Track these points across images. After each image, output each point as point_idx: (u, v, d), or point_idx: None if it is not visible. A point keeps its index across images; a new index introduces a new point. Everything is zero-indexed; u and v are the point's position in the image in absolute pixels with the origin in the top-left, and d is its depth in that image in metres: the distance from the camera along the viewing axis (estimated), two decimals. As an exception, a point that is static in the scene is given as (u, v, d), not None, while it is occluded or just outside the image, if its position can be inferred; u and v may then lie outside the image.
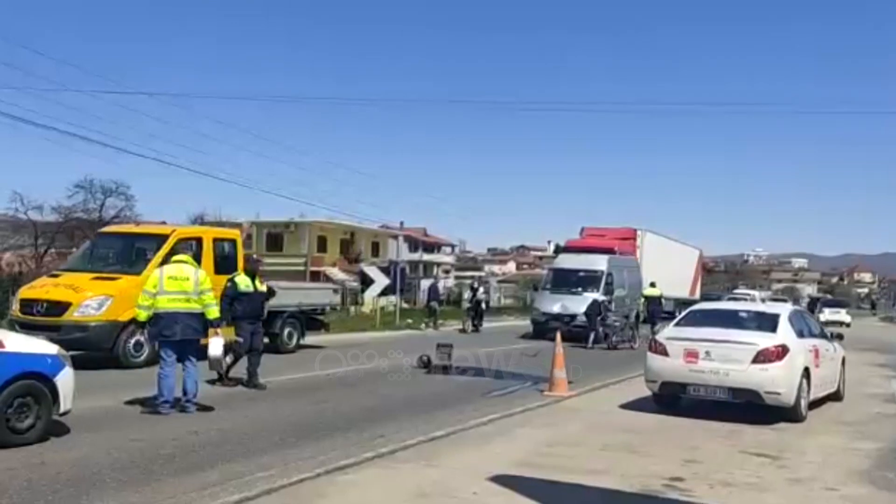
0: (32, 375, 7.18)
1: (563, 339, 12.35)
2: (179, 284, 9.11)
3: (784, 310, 11.32)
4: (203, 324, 9.22)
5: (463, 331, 26.14)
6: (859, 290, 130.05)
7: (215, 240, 14.85)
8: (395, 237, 67.41)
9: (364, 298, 33.72)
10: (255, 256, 12.31)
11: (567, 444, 7.85)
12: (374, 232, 60.75)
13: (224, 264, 14.11)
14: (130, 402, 9.58)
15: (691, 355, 9.78)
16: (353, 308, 38.88)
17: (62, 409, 7.46)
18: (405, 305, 38.50)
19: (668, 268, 32.44)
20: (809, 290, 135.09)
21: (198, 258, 13.10)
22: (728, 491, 6.22)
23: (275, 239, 51.88)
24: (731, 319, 10.80)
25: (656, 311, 26.28)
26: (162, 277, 9.15)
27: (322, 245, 52.08)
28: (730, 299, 48.85)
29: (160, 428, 8.21)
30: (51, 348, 7.69)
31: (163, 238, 13.95)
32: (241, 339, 11.06)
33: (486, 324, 30.65)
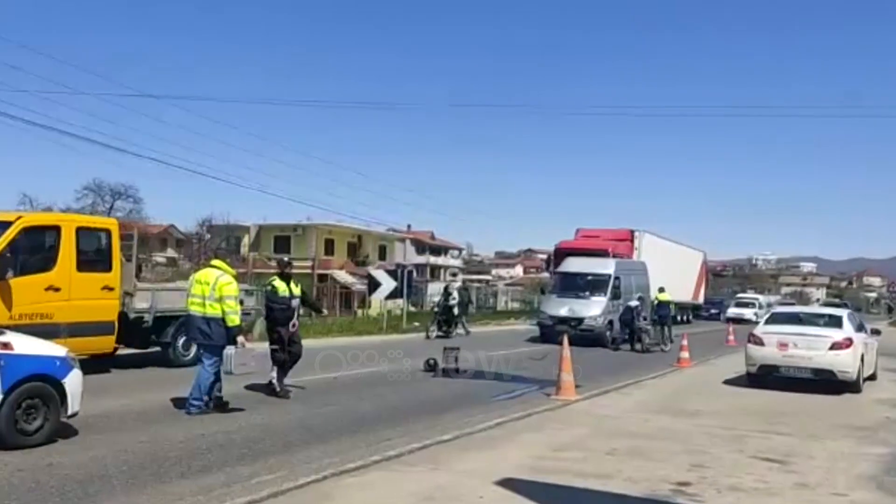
0: (41, 377, 7.23)
1: (571, 342, 12.33)
2: (201, 288, 9.28)
3: (844, 312, 15.19)
4: (220, 329, 9.21)
5: (427, 337, 23.85)
6: (868, 295, 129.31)
7: (80, 230, 12.14)
8: (402, 240, 67.66)
9: (371, 301, 33.77)
10: (286, 259, 12.19)
11: (574, 449, 7.82)
12: (382, 235, 60.90)
13: (93, 259, 12.26)
14: (140, 404, 9.61)
15: (783, 345, 13.19)
16: (359, 311, 38.97)
17: (70, 411, 7.50)
18: (412, 309, 38.52)
19: (669, 270, 31.51)
20: (818, 294, 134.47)
21: (54, 250, 11.67)
22: (736, 496, 6.19)
23: (282, 242, 52.10)
24: (806, 319, 14.60)
25: (666, 316, 26.14)
26: (192, 280, 9.55)
27: (329, 248, 52.27)
28: (737, 304, 48.78)
29: (167, 430, 8.23)
30: (59, 350, 7.74)
31: (3, 226, 11.30)
32: (276, 347, 10.75)
33: (494, 328, 30.54)
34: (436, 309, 26.58)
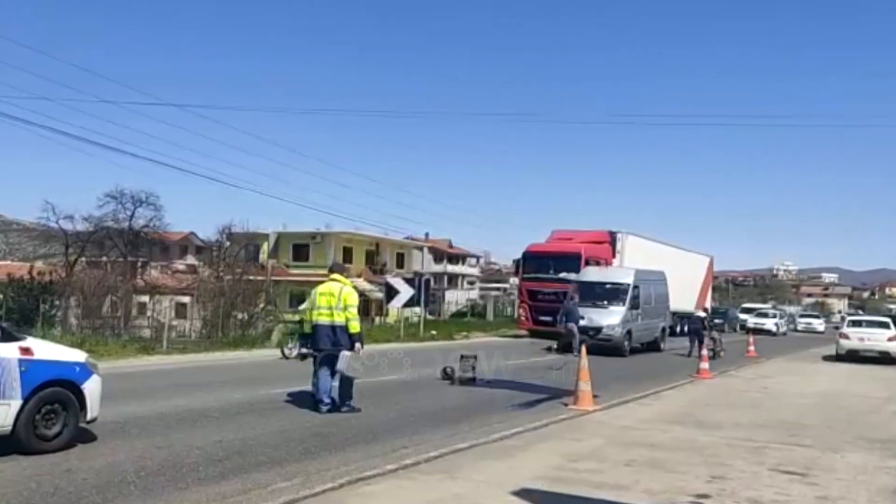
0: (61, 383, 7.29)
1: (589, 352, 12.26)
2: (328, 300, 10.13)
3: (890, 320, 26.45)
4: (345, 335, 10.06)
5: (283, 356, 18.09)
6: (890, 306, 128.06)
7: None
8: (420, 248, 67.78)
9: (389, 309, 33.83)
10: (339, 264, 12.34)
11: (591, 459, 7.77)
12: (400, 243, 61.07)
13: None
14: (159, 410, 9.67)
15: (860, 339, 24.64)
16: (377, 319, 39.04)
17: (89, 417, 7.56)
18: (429, 317, 38.54)
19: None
20: (840, 305, 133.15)
21: None
22: (755, 509, 6.11)
23: (301, 249, 52.36)
24: (868, 324, 26.41)
25: None
26: (316, 294, 10.28)
27: (347, 256, 52.40)
28: (758, 314, 48.22)
29: (185, 436, 8.27)
30: (79, 356, 7.80)
31: None
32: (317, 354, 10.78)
33: (512, 339, 30.24)
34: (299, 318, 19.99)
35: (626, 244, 30.99)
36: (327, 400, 10.09)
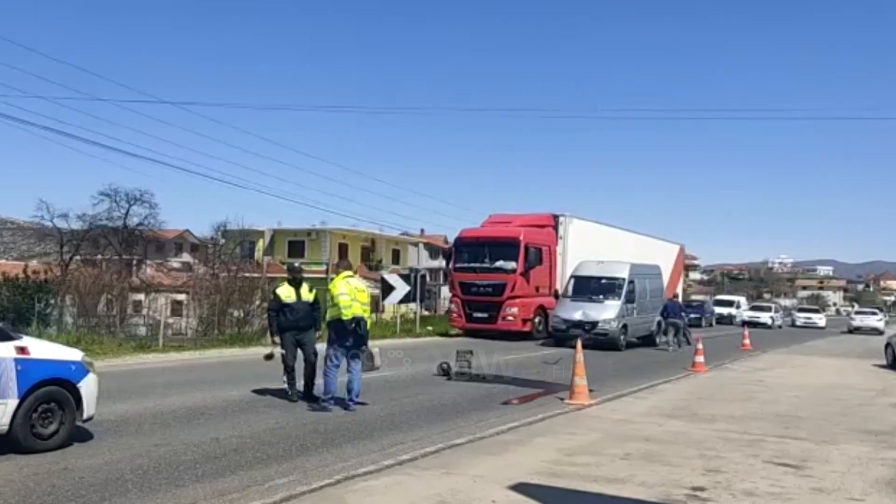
0: (57, 381, 7.29)
1: (585, 346, 12.27)
2: (362, 294, 10.30)
3: (876, 309, 58.51)
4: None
5: None
6: (885, 298, 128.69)
7: None
8: (416, 245, 67.76)
9: (384, 305, 33.81)
10: (296, 265, 12.36)
11: (587, 453, 7.80)
12: (395, 239, 61.03)
13: None
14: (155, 408, 9.67)
15: (861, 320, 48.46)
16: (373, 315, 39.00)
17: (85, 415, 7.56)
18: (425, 312, 38.54)
19: None
20: (835, 297, 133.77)
21: None
22: (751, 501, 6.15)
23: (296, 246, 52.35)
24: (867, 312, 53.91)
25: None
26: (351, 288, 10.19)
27: (343, 252, 52.40)
28: (753, 308, 49.08)
29: (182, 434, 8.28)
30: (75, 355, 7.80)
31: None
32: (283, 351, 10.74)
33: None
34: None
35: (570, 229, 28.40)
36: (355, 397, 10.18)
